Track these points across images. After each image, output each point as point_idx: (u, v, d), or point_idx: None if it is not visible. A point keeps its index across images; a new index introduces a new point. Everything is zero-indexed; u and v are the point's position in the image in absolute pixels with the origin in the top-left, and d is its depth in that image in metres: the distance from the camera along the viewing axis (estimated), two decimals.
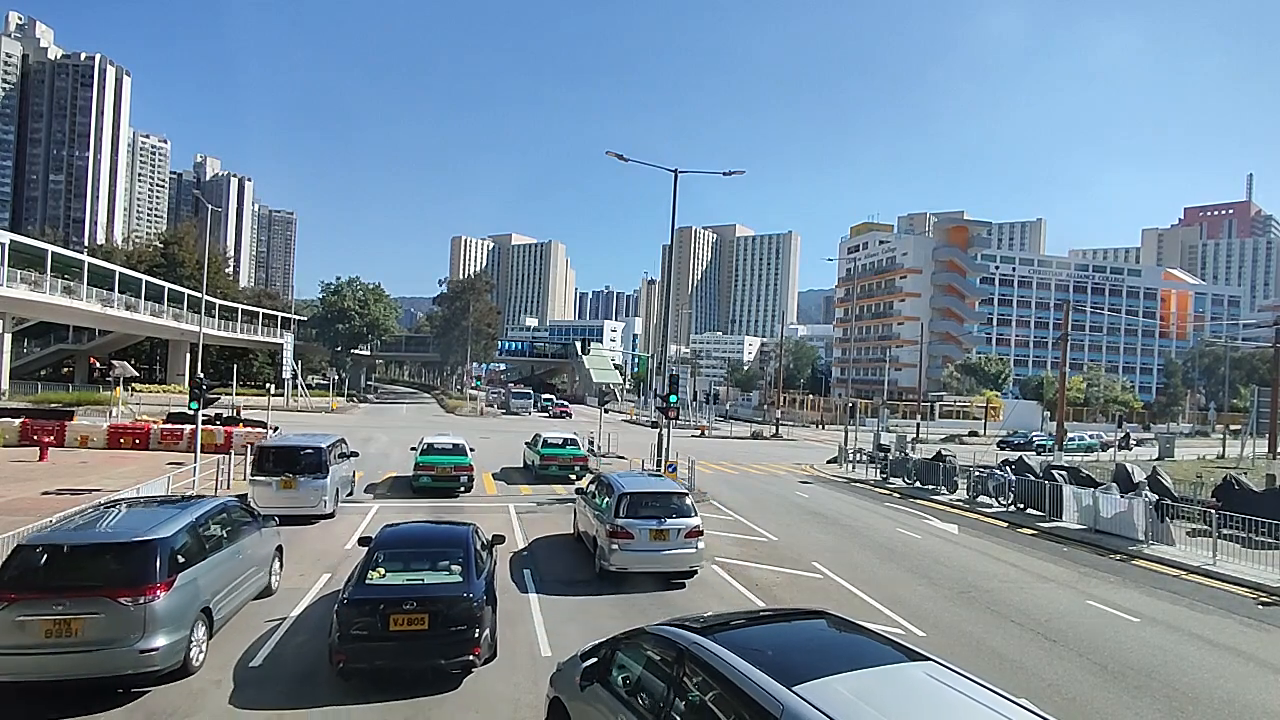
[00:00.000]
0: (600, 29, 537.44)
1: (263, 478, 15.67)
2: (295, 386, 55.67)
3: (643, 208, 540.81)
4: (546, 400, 72.42)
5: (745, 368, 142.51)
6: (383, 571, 8.18)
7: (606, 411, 40.03)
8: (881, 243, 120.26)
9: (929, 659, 4.66)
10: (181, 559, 7.89)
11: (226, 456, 20.72)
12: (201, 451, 26.69)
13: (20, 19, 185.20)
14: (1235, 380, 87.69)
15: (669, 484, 13.85)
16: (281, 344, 58.84)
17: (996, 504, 21.56)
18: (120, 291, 49.38)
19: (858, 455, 32.19)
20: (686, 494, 12.99)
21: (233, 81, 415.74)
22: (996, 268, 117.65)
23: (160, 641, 7.23)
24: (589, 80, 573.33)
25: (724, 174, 23.23)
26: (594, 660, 5.71)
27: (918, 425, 56.51)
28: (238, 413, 36.54)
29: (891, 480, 27.08)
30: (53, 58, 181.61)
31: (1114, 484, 18.75)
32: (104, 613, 7.02)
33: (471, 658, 7.81)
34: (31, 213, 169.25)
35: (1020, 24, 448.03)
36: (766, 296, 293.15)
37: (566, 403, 75.23)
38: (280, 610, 9.80)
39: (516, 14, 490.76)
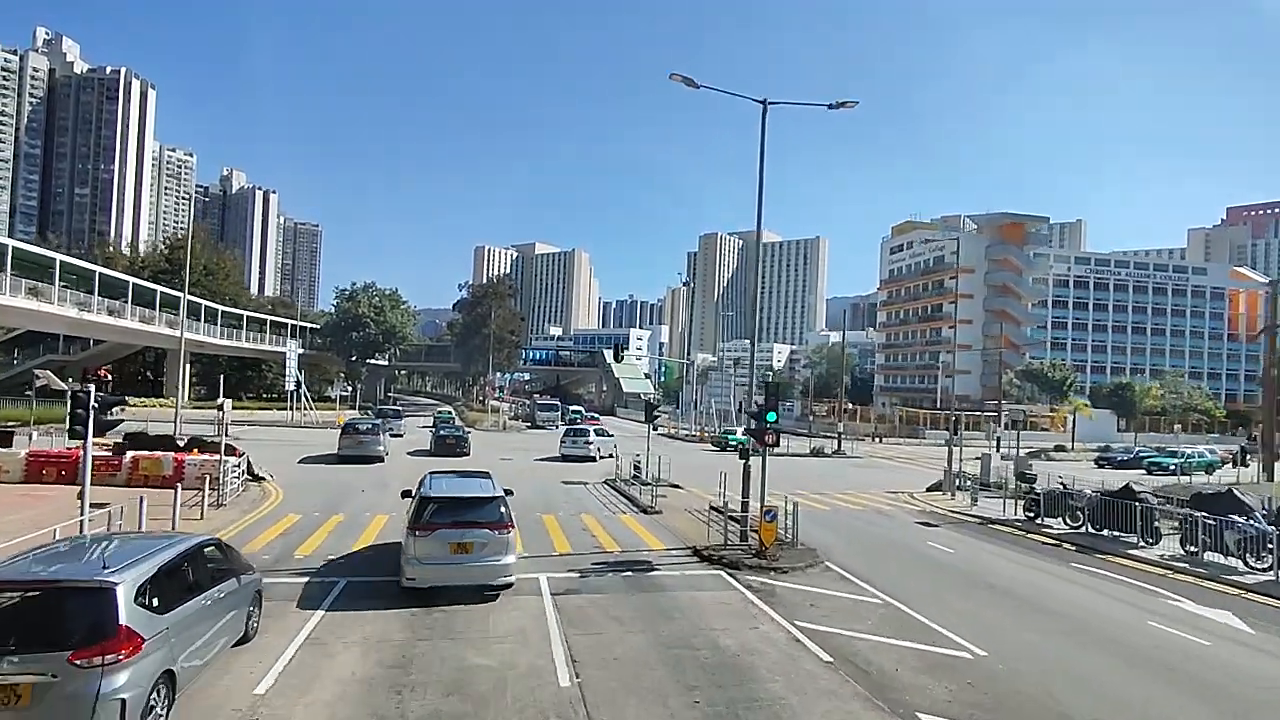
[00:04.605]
0: (623, 37, 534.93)
1: None
2: (300, 398, 50.46)
3: (667, 216, 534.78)
4: (575, 412, 66.38)
5: (774, 376, 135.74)
6: (442, 433, 36.33)
7: (656, 429, 34.18)
8: (926, 241, 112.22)
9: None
10: (387, 431, 35.27)
11: (171, 491, 14.93)
12: (146, 485, 21.22)
13: (47, 34, 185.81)
14: None
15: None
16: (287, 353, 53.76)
17: (1243, 565, 14.89)
18: (106, 295, 44.45)
19: (971, 483, 25.67)
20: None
21: (258, 94, 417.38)
22: (1051, 267, 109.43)
23: (381, 449, 31.00)
24: (612, 88, 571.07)
25: (829, 106, 16.84)
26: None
27: (997, 440, 49.47)
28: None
29: (1047, 522, 20.30)
30: (79, 71, 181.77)
31: None
32: (367, 440, 30.68)
33: (467, 449, 34.44)
34: (57, 226, 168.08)
35: (1053, 27, 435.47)
36: (794, 303, 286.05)
37: (597, 414, 69.39)
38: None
39: (539, 24, 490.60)
